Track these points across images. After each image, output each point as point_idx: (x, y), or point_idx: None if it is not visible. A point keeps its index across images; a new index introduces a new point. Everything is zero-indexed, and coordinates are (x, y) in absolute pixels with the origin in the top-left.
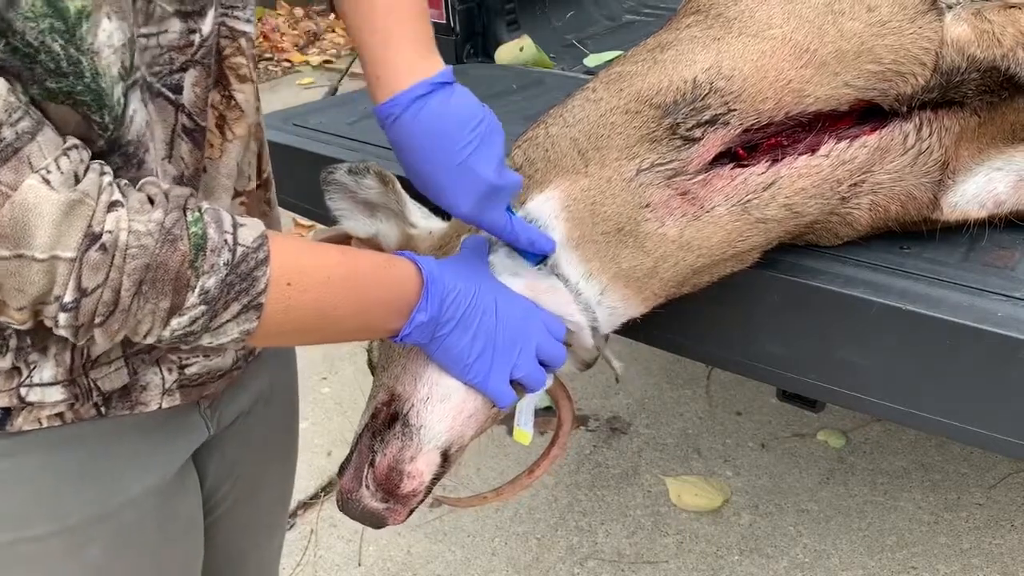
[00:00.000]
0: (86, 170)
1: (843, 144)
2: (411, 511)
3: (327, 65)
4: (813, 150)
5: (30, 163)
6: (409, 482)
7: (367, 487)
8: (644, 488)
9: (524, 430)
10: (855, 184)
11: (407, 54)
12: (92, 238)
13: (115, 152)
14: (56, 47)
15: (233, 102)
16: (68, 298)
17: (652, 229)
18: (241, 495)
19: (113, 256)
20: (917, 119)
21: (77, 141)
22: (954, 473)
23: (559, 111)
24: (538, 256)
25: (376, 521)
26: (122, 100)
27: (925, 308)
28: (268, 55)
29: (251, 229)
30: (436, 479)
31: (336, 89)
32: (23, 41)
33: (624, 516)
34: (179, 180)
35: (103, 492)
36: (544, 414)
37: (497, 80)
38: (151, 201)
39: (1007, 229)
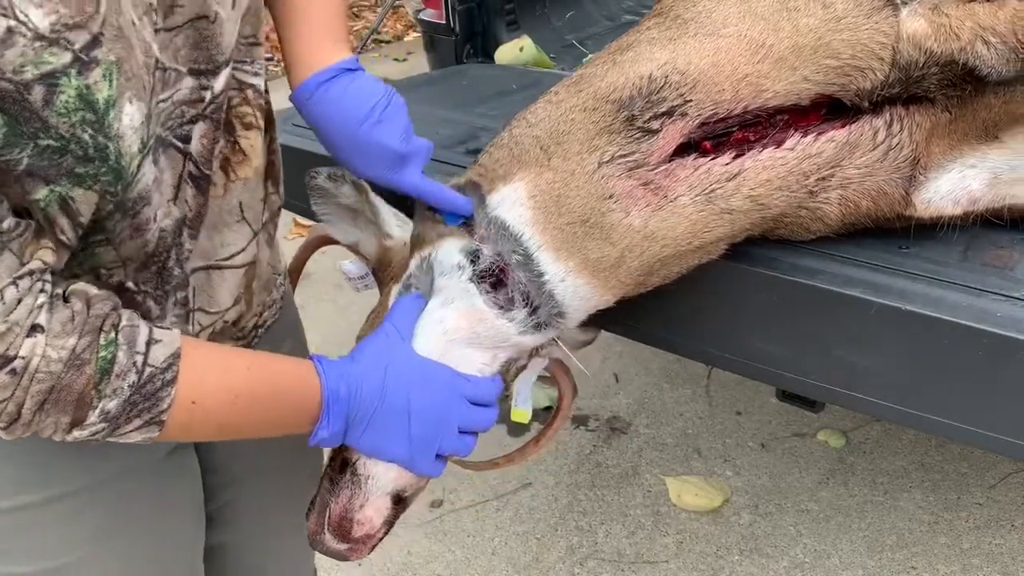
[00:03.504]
0: (29, 293)
1: (809, 138)
2: (373, 546)
3: None
4: (779, 144)
5: None
6: (359, 528)
7: (327, 531)
8: (644, 488)
9: (523, 410)
10: (823, 178)
11: (316, 44)
12: (6, 360)
13: (119, 210)
14: (86, 136)
15: (238, 147)
16: None
17: (617, 220)
18: (247, 476)
19: (21, 379)
20: (888, 115)
21: (34, 266)
22: (954, 473)
23: (522, 114)
24: (457, 217)
25: (341, 558)
26: (135, 170)
27: (924, 308)
28: (268, 55)
29: (165, 347)
30: (392, 520)
31: None
32: (56, 135)
33: (624, 516)
34: (182, 221)
35: (96, 461)
36: (543, 413)
37: (497, 80)
38: (73, 318)
39: (1005, 229)
